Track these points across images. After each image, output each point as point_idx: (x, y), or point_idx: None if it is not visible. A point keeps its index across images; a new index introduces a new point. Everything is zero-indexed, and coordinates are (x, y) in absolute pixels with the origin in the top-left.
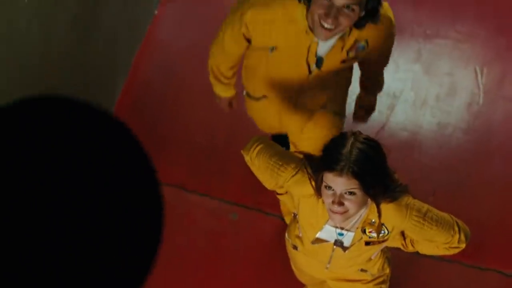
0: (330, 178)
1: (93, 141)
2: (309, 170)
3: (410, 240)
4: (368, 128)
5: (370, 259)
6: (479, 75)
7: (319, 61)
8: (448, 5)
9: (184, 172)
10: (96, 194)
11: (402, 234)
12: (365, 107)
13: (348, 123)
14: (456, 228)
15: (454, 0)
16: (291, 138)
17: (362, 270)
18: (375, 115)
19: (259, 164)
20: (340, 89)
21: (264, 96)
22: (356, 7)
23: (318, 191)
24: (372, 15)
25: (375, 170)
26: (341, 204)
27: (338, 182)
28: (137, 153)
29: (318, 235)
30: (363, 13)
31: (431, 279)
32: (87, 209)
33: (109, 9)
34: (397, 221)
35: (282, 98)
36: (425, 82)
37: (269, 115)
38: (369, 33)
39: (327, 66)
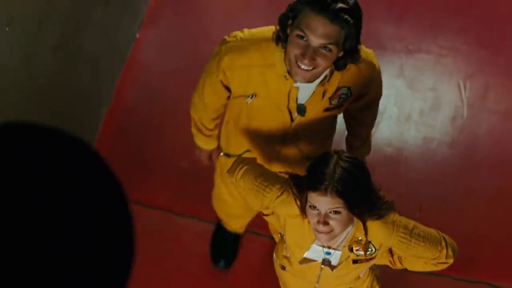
0: (314, 198)
1: (56, 164)
2: (294, 191)
3: (398, 257)
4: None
5: (358, 277)
6: (462, 89)
7: (301, 108)
8: (429, 20)
9: (170, 196)
10: (61, 212)
11: (390, 251)
12: None
13: (335, 141)
14: (444, 244)
15: (435, 14)
16: None
17: None
18: None
19: (244, 186)
20: (324, 138)
21: (247, 151)
22: (333, 47)
23: (303, 211)
24: (351, 55)
25: (359, 188)
26: (326, 223)
27: (322, 202)
28: (102, 172)
29: (305, 255)
30: (341, 53)
31: None
32: (54, 229)
33: (91, 34)
34: (384, 238)
35: (265, 149)
36: (408, 97)
37: None
38: (351, 79)
39: (310, 114)
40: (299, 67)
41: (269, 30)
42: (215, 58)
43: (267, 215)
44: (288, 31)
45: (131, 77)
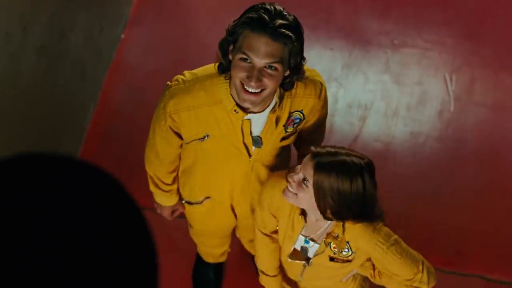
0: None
1: (78, 195)
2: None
3: (379, 272)
4: (341, 140)
5: (341, 281)
6: (449, 82)
7: (257, 140)
8: (414, 14)
9: None
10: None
11: (373, 264)
12: None
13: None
14: (421, 267)
15: (420, 9)
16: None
17: None
18: (347, 127)
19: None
20: (284, 165)
21: (207, 197)
22: (278, 66)
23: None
24: (297, 72)
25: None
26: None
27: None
28: (127, 207)
29: (294, 246)
30: (287, 72)
31: None
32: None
33: (75, 37)
34: (362, 241)
35: (226, 194)
36: (395, 92)
37: (217, 215)
38: (302, 102)
39: (266, 145)
40: (246, 91)
41: (211, 67)
42: (160, 104)
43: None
44: (230, 57)
45: (116, 78)
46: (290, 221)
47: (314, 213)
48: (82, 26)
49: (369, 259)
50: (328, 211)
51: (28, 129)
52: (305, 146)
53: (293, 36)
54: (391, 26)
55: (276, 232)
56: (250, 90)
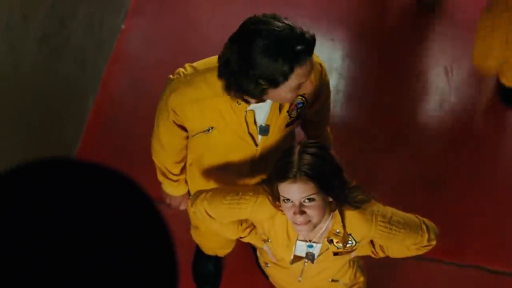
0: (285, 189)
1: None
2: (267, 189)
3: (380, 246)
4: (342, 131)
5: (340, 270)
6: (449, 73)
7: (263, 129)
8: (413, 7)
9: (158, 186)
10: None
11: (371, 242)
12: None
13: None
14: (424, 227)
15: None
16: None
17: (333, 280)
18: (349, 119)
19: (215, 211)
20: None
21: None
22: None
23: (276, 206)
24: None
25: (328, 168)
26: (302, 213)
27: (294, 190)
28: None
29: (295, 253)
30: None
31: (414, 279)
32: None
33: (76, 27)
34: (365, 231)
35: (235, 184)
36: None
37: None
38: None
39: (272, 133)
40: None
41: (212, 60)
42: (163, 98)
43: (244, 236)
44: (267, 91)
45: (117, 68)
46: (284, 231)
47: (321, 217)
48: (83, 16)
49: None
50: (338, 195)
51: (28, 120)
52: (312, 127)
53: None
54: (390, 17)
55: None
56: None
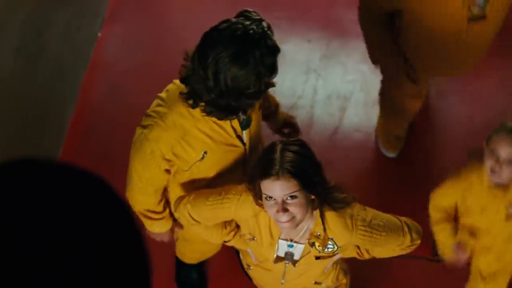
0: (268, 186)
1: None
2: (250, 186)
3: (365, 248)
4: (322, 131)
5: (323, 273)
6: None
7: (245, 123)
8: None
9: None
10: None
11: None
12: (288, 121)
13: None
14: (406, 229)
15: None
16: None
17: (316, 282)
18: (327, 118)
19: (199, 213)
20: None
21: None
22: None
23: (259, 205)
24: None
25: (309, 165)
26: (285, 210)
27: (276, 188)
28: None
29: (277, 252)
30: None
31: (403, 277)
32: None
33: (52, 35)
34: (346, 237)
35: None
36: (374, 82)
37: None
38: None
39: (253, 124)
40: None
41: (170, 95)
42: (146, 151)
43: (229, 240)
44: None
45: (95, 75)
46: (267, 229)
47: (304, 215)
48: (59, 25)
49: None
50: (319, 193)
51: (7, 129)
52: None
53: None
54: None
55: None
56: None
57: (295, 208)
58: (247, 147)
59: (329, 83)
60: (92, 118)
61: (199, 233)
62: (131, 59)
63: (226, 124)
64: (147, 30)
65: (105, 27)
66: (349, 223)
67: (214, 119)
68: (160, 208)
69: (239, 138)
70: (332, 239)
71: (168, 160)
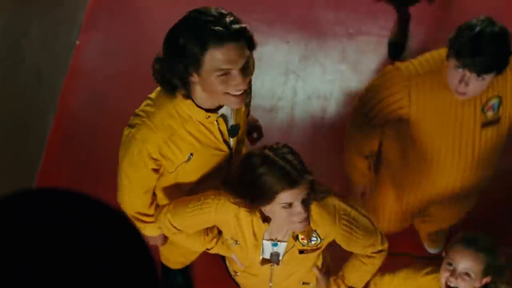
0: (290, 195)
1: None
2: (230, 192)
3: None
4: (303, 132)
5: (310, 270)
6: None
7: (234, 130)
8: (368, 2)
9: None
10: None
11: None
12: (254, 125)
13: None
14: (375, 226)
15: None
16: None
17: (304, 283)
18: (308, 119)
19: (180, 222)
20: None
21: None
22: (251, 56)
23: (239, 205)
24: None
25: (305, 166)
26: (305, 211)
27: (296, 194)
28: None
29: (263, 255)
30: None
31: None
32: None
33: (30, 45)
34: (329, 226)
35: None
36: (354, 81)
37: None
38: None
39: (241, 129)
40: (234, 95)
41: (159, 96)
42: (133, 151)
43: (212, 247)
44: (193, 78)
45: (75, 83)
46: (250, 231)
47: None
48: (36, 34)
49: None
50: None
51: None
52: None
53: (243, 24)
54: (345, 16)
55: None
56: (237, 94)
57: (307, 207)
58: (233, 151)
59: (308, 84)
60: (72, 125)
61: (181, 242)
62: (110, 65)
63: (213, 127)
64: (125, 36)
65: (82, 35)
66: (332, 211)
67: (202, 120)
68: (151, 211)
69: (226, 143)
70: (315, 231)
71: (155, 160)
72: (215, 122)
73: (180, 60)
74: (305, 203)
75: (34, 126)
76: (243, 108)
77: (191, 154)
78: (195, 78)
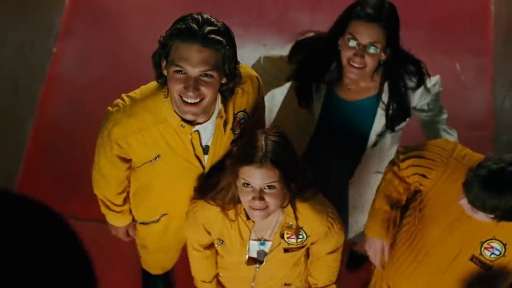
0: (249, 173)
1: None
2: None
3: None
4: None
5: (292, 268)
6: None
7: (205, 150)
8: (344, 3)
9: None
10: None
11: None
12: None
13: None
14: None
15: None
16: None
17: (285, 284)
18: None
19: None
20: None
21: (164, 214)
22: (214, 73)
23: (216, 204)
24: (233, 78)
25: (290, 157)
26: (261, 199)
27: (257, 175)
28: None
29: (249, 254)
30: (224, 80)
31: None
32: None
33: (6, 54)
34: (316, 222)
35: (184, 207)
36: None
37: (174, 229)
38: (243, 101)
39: (219, 152)
40: (186, 103)
41: (149, 87)
42: (104, 132)
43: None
44: (165, 72)
45: (52, 91)
46: (236, 231)
47: (277, 207)
48: (13, 42)
49: None
50: (293, 187)
51: None
52: None
53: (223, 41)
54: (322, 18)
55: (209, 247)
56: (189, 101)
57: (270, 198)
58: (206, 170)
59: (285, 87)
60: (51, 133)
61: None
62: (88, 73)
63: (186, 137)
64: (103, 43)
65: (60, 42)
66: (320, 208)
67: (176, 127)
68: (119, 201)
69: (198, 158)
70: (301, 228)
71: (120, 147)
72: (189, 135)
73: (159, 49)
74: (270, 195)
75: (13, 135)
76: (228, 132)
77: (158, 155)
78: (164, 71)
